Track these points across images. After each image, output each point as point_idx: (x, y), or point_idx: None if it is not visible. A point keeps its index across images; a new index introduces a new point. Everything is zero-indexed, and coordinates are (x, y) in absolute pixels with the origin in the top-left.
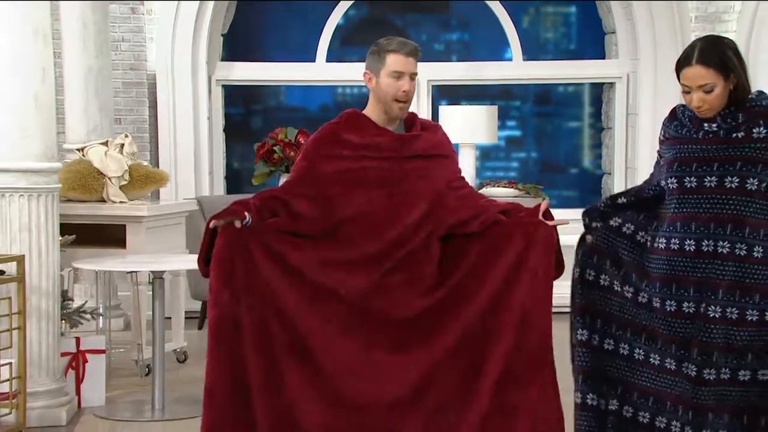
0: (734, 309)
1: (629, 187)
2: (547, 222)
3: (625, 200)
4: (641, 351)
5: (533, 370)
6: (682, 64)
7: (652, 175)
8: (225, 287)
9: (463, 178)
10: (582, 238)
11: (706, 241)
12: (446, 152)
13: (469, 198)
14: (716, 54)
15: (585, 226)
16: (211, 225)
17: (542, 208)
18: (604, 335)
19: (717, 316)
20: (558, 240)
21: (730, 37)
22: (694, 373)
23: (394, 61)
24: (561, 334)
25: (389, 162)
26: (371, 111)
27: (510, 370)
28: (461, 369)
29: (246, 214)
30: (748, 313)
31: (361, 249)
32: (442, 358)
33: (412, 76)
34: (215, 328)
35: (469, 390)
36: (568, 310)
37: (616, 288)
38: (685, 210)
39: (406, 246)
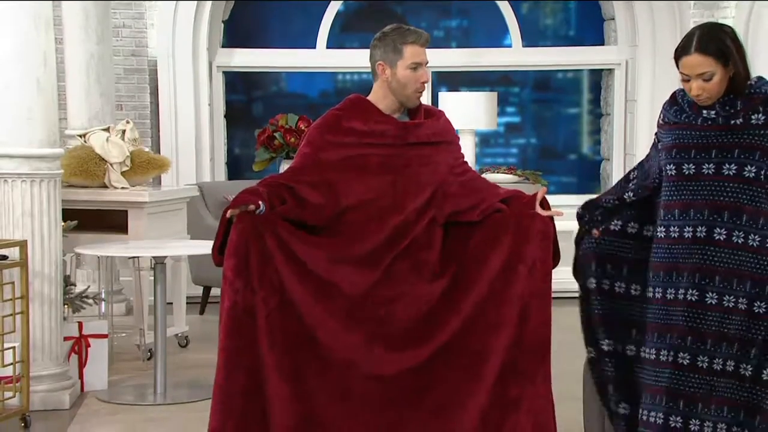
0: (731, 297)
1: (628, 171)
2: (543, 212)
3: (634, 198)
4: (649, 349)
5: (535, 363)
6: (680, 52)
7: (648, 156)
8: (239, 276)
9: (466, 162)
10: (587, 232)
11: (700, 227)
12: (449, 138)
13: (471, 184)
14: (714, 42)
15: (585, 220)
16: (228, 214)
17: (539, 196)
18: (625, 342)
19: (713, 302)
20: (555, 230)
21: (729, 23)
22: (687, 361)
23: (412, 53)
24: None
25: (393, 149)
26: (378, 99)
27: (511, 363)
28: (462, 363)
29: (260, 203)
30: (740, 301)
31: (368, 243)
32: (443, 352)
33: (426, 64)
34: (230, 317)
35: (471, 383)
36: (564, 295)
37: (632, 293)
38: (683, 197)
39: (409, 234)
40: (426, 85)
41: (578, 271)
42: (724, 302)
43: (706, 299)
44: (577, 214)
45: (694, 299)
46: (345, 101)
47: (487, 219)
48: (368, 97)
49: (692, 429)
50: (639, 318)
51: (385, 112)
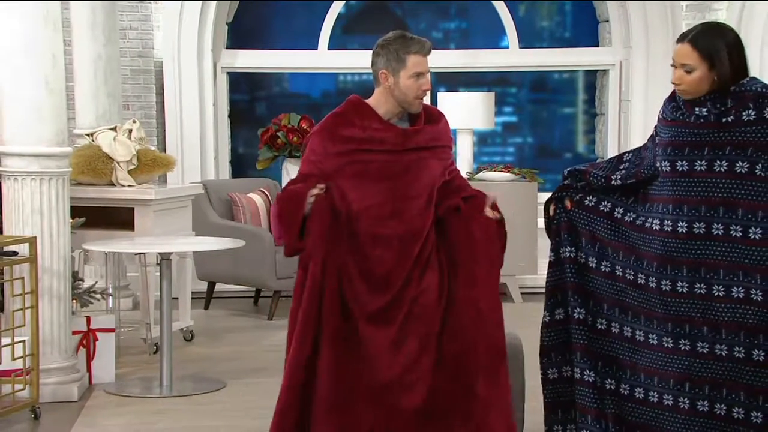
0: (740, 288)
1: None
2: (490, 214)
3: (620, 183)
4: (633, 329)
5: (496, 364)
6: (678, 38)
7: (645, 146)
8: (319, 259)
9: (455, 169)
10: (560, 200)
11: (697, 224)
12: (445, 142)
13: (452, 184)
14: (706, 41)
15: (564, 183)
16: (311, 197)
17: (489, 201)
18: (596, 315)
19: (722, 294)
20: (500, 233)
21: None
22: (707, 349)
23: (415, 63)
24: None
25: (392, 156)
26: (378, 104)
27: (477, 364)
28: (448, 368)
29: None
30: (752, 293)
31: (387, 264)
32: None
33: (428, 72)
34: (308, 290)
35: (456, 387)
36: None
37: (603, 268)
38: (677, 193)
39: (418, 240)
40: (426, 92)
41: (553, 238)
42: (733, 293)
43: (713, 291)
44: (562, 173)
45: (702, 292)
46: (345, 103)
47: (448, 217)
48: (368, 101)
49: (717, 413)
50: (607, 294)
51: (384, 117)
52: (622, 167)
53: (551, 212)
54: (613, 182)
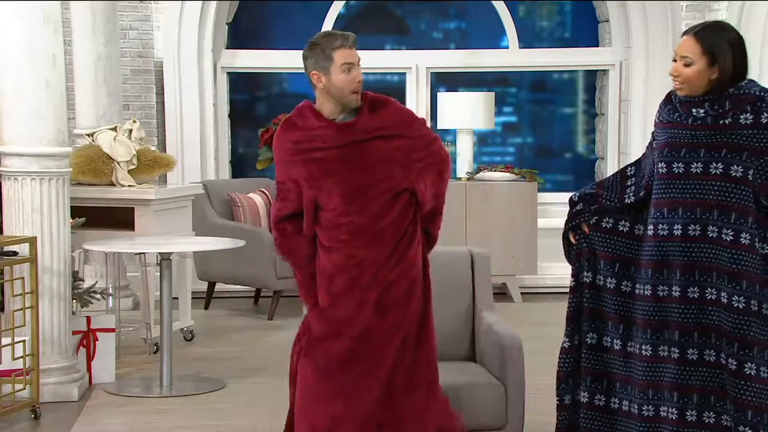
0: (724, 293)
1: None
2: None
3: (633, 200)
4: (639, 344)
5: None
6: (684, 32)
7: (644, 156)
8: None
9: (425, 164)
10: (577, 226)
11: (692, 226)
12: (396, 130)
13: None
14: (712, 38)
15: (577, 209)
16: None
17: None
18: (613, 336)
19: (713, 298)
20: None
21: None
22: (696, 356)
23: (342, 56)
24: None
25: (339, 151)
26: (321, 105)
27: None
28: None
29: None
30: (734, 299)
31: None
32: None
33: (358, 63)
34: None
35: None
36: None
37: (623, 288)
38: (671, 195)
39: (374, 227)
40: (361, 84)
41: (573, 264)
42: (722, 298)
43: (706, 295)
44: (571, 199)
45: (695, 296)
46: (294, 109)
47: None
48: (315, 106)
49: (706, 422)
50: (621, 313)
51: (330, 117)
52: (629, 183)
53: (573, 240)
54: (627, 201)
